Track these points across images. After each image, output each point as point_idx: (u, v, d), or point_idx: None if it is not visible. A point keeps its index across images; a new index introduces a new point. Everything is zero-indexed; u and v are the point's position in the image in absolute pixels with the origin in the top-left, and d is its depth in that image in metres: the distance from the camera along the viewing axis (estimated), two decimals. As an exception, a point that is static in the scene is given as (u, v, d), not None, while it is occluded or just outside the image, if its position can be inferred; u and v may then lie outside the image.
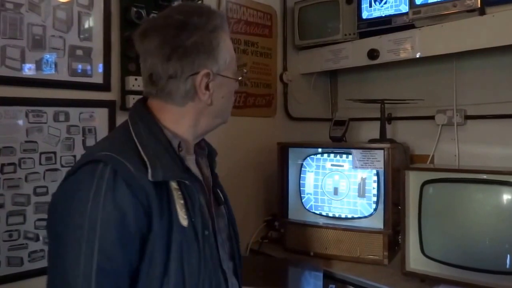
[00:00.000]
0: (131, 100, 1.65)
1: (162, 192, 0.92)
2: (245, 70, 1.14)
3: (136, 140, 0.96)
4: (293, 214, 2.00)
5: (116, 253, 0.85)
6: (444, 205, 1.57)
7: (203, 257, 0.96)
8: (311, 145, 2.02)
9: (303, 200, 1.98)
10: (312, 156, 1.96)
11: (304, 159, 1.97)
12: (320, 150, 1.95)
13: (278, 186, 2.03)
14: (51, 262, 0.88)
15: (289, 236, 1.99)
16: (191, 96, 1.00)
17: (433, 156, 2.07)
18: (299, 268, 1.80)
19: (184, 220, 0.93)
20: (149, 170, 0.90)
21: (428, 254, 1.56)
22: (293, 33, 2.36)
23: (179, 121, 1.02)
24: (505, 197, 1.46)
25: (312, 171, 1.96)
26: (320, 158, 1.94)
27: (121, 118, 1.66)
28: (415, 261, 1.59)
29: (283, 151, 2.01)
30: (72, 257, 0.83)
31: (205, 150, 1.18)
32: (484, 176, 1.49)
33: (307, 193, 1.97)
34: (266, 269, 1.85)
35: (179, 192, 0.95)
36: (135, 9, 1.66)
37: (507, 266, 1.42)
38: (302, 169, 1.98)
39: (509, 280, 1.40)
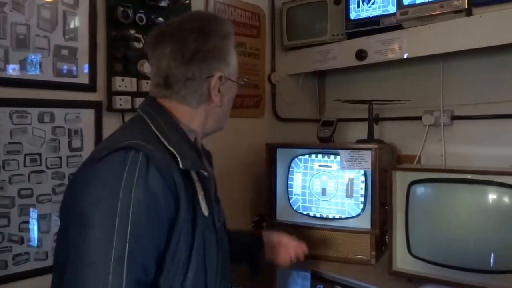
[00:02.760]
0: (118, 101, 1.64)
1: (187, 182, 0.96)
2: (245, 79, 1.22)
3: (158, 133, 0.99)
4: (281, 214, 2.00)
5: (146, 237, 0.87)
6: (430, 205, 1.58)
7: (222, 249, 1.04)
8: (299, 146, 2.02)
9: (291, 201, 1.97)
10: (300, 156, 1.96)
11: (292, 159, 1.97)
12: (308, 150, 1.96)
13: (266, 187, 2.02)
14: (75, 247, 0.86)
15: (277, 237, 1.99)
16: (205, 98, 1.07)
17: (420, 156, 2.08)
18: (287, 268, 1.80)
19: (205, 210, 0.98)
20: (179, 159, 0.94)
21: (415, 254, 1.57)
22: (281, 34, 2.36)
23: (190, 120, 1.08)
24: (490, 196, 1.47)
25: (300, 172, 1.96)
26: (308, 159, 1.94)
27: (108, 119, 1.65)
28: (402, 260, 1.59)
29: (271, 151, 2.01)
30: (102, 241, 0.83)
31: (205, 151, 1.26)
32: (470, 176, 1.50)
33: (295, 194, 1.97)
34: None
35: (199, 183, 0.99)
36: (121, 9, 1.64)
37: (491, 265, 1.43)
38: (290, 169, 1.98)
39: (494, 279, 1.41)
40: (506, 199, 1.44)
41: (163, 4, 1.77)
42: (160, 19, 1.74)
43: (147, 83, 1.71)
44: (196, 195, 0.98)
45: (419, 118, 2.08)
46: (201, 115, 1.09)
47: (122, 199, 0.85)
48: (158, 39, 1.06)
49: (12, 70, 1.43)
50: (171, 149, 0.96)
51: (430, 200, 1.59)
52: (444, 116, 2.00)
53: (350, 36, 2.13)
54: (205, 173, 1.01)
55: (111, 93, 1.65)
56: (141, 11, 1.69)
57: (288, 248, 1.50)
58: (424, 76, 2.13)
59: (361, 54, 2.02)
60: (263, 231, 1.53)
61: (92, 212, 0.85)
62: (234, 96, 1.18)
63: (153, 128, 1.01)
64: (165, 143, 0.97)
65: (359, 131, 2.18)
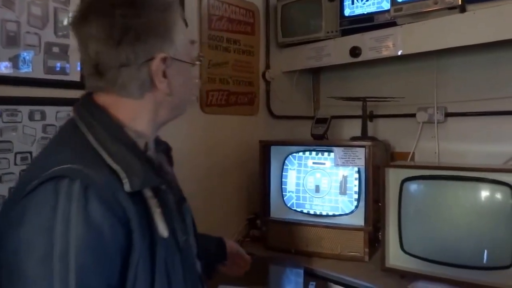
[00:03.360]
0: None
1: (139, 204, 0.81)
2: (201, 54, 1.05)
3: (97, 146, 0.83)
4: (275, 212, 2.00)
5: (95, 281, 0.73)
6: (423, 202, 1.58)
7: (187, 267, 0.90)
8: (293, 143, 2.02)
9: (284, 198, 1.97)
10: (294, 154, 1.95)
11: (286, 157, 1.97)
12: (301, 148, 1.95)
13: (260, 184, 2.02)
14: None
15: (271, 234, 1.99)
16: (148, 86, 0.89)
17: (413, 153, 2.08)
18: (280, 266, 1.80)
19: (164, 231, 0.83)
20: (125, 180, 0.79)
21: (408, 251, 1.57)
22: (276, 31, 2.35)
23: (137, 116, 0.90)
24: (483, 193, 1.48)
25: (294, 169, 1.96)
26: (302, 156, 1.94)
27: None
28: (395, 257, 1.59)
29: (265, 149, 2.00)
30: None
31: (160, 145, 1.07)
32: (463, 173, 1.50)
33: (289, 191, 1.97)
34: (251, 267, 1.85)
35: (155, 200, 0.84)
36: (113, 6, 1.63)
37: (484, 261, 1.44)
38: (284, 167, 1.97)
39: (486, 275, 1.42)
40: (499, 196, 1.44)
41: None
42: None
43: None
44: (151, 214, 0.83)
45: (413, 115, 2.07)
46: (148, 108, 0.91)
47: (59, 243, 0.70)
48: (82, 18, 0.86)
49: (4, 68, 1.41)
50: (114, 167, 0.80)
51: (423, 197, 1.59)
52: (437, 113, 2.00)
53: (345, 33, 2.12)
54: (162, 187, 0.87)
55: (103, 91, 1.64)
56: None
57: (242, 262, 1.44)
58: (418, 73, 2.12)
59: (355, 51, 2.01)
60: (225, 240, 1.42)
61: (25, 263, 0.71)
62: (190, 78, 0.99)
63: (91, 139, 0.83)
64: (106, 158, 0.81)
65: (354, 128, 2.18)
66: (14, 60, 1.43)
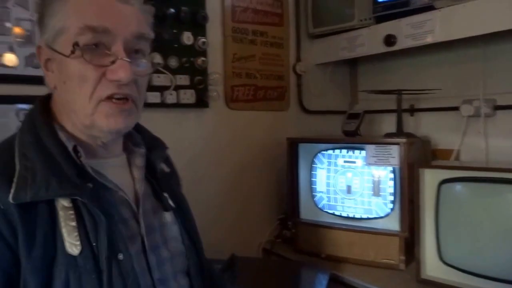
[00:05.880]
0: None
1: (38, 215, 0.73)
2: (93, 45, 0.75)
3: (16, 150, 0.77)
4: (306, 213, 1.89)
5: None
6: (465, 207, 1.41)
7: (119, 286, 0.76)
8: (322, 140, 1.89)
9: (315, 199, 1.85)
10: (323, 152, 1.83)
11: (315, 155, 1.85)
12: (331, 145, 1.82)
13: (287, 183, 1.91)
14: None
15: (300, 237, 1.88)
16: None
17: (458, 151, 1.88)
18: (311, 271, 1.70)
19: (73, 247, 0.73)
20: (12, 190, 0.71)
21: (447, 261, 1.41)
22: (307, 21, 2.21)
23: (59, 115, 0.85)
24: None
25: (323, 168, 1.83)
26: (332, 154, 1.81)
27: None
28: (433, 267, 1.44)
29: (292, 146, 1.89)
30: None
31: (140, 147, 0.95)
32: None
33: (319, 192, 1.85)
34: (277, 272, 1.75)
35: (71, 212, 0.74)
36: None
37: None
38: (313, 165, 1.85)
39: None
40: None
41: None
42: (172, 10, 1.66)
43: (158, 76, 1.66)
44: (58, 228, 0.73)
45: (457, 108, 1.87)
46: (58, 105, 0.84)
47: None
48: None
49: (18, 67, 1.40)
50: (16, 173, 0.73)
51: (464, 201, 1.42)
52: (485, 106, 1.79)
53: (379, 20, 1.95)
54: (78, 198, 0.75)
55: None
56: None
57: None
58: (463, 62, 1.91)
59: (390, 40, 1.85)
60: None
61: None
62: (81, 76, 0.76)
63: (15, 142, 0.79)
64: (17, 164, 0.75)
65: (392, 124, 1.99)
66: (30, 59, 1.41)
